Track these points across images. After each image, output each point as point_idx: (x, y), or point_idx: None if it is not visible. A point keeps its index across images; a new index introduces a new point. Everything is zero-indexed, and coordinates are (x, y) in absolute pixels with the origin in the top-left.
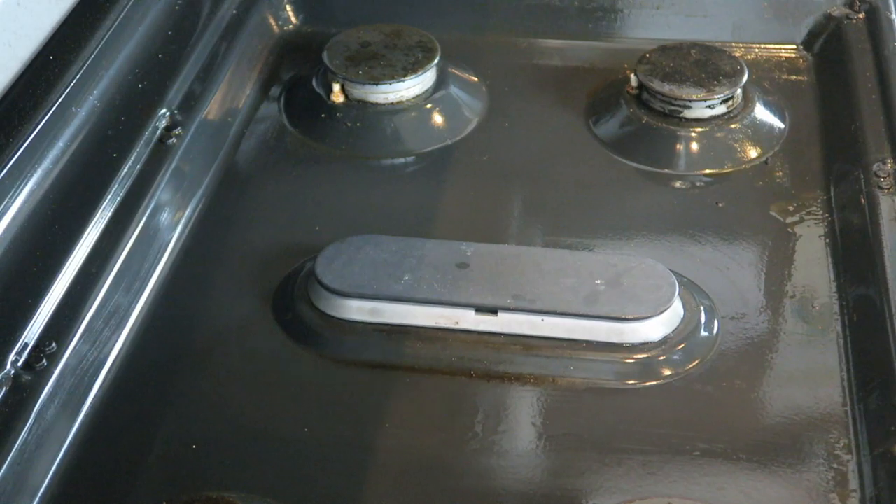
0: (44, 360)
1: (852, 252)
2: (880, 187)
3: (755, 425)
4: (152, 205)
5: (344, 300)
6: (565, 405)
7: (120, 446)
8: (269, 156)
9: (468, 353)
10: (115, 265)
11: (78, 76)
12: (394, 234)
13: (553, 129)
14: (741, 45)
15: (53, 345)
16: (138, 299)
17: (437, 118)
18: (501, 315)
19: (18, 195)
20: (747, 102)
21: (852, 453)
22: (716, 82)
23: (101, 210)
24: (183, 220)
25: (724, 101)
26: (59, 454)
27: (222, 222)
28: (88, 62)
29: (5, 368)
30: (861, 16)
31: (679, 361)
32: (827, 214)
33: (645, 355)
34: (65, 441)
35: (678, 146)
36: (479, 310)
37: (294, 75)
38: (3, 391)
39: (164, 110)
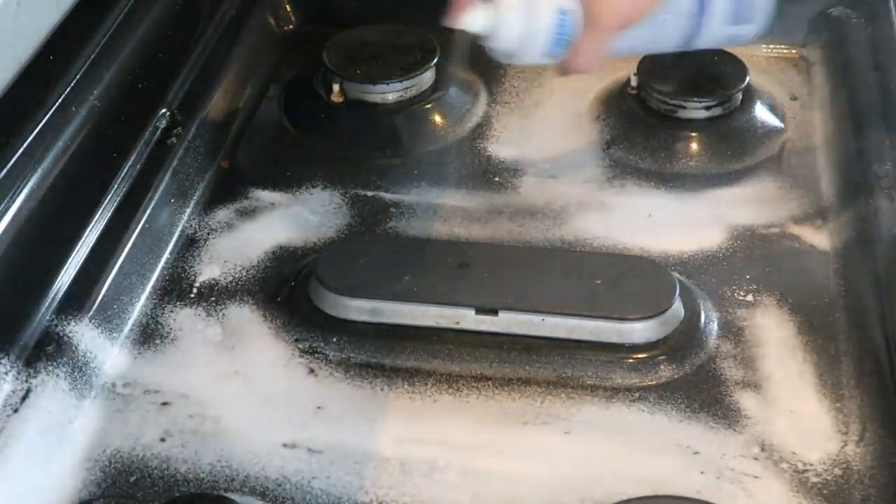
0: (43, 360)
1: (852, 252)
2: (880, 187)
3: (755, 425)
4: (152, 205)
5: (344, 300)
6: (565, 405)
7: (119, 446)
8: (269, 156)
9: (468, 353)
10: (115, 265)
11: (78, 76)
12: (394, 234)
13: (553, 129)
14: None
15: (53, 345)
16: (138, 299)
17: (437, 118)
18: (502, 315)
19: (18, 195)
20: (747, 103)
21: (852, 453)
22: (716, 84)
23: (101, 210)
24: (183, 220)
25: (724, 103)
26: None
27: (222, 222)
28: (88, 62)
29: (6, 368)
30: (861, 16)
31: (679, 361)
32: (826, 215)
33: (645, 355)
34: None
35: (678, 146)
36: (480, 310)
37: (294, 75)
38: (6, 391)
39: (164, 110)
